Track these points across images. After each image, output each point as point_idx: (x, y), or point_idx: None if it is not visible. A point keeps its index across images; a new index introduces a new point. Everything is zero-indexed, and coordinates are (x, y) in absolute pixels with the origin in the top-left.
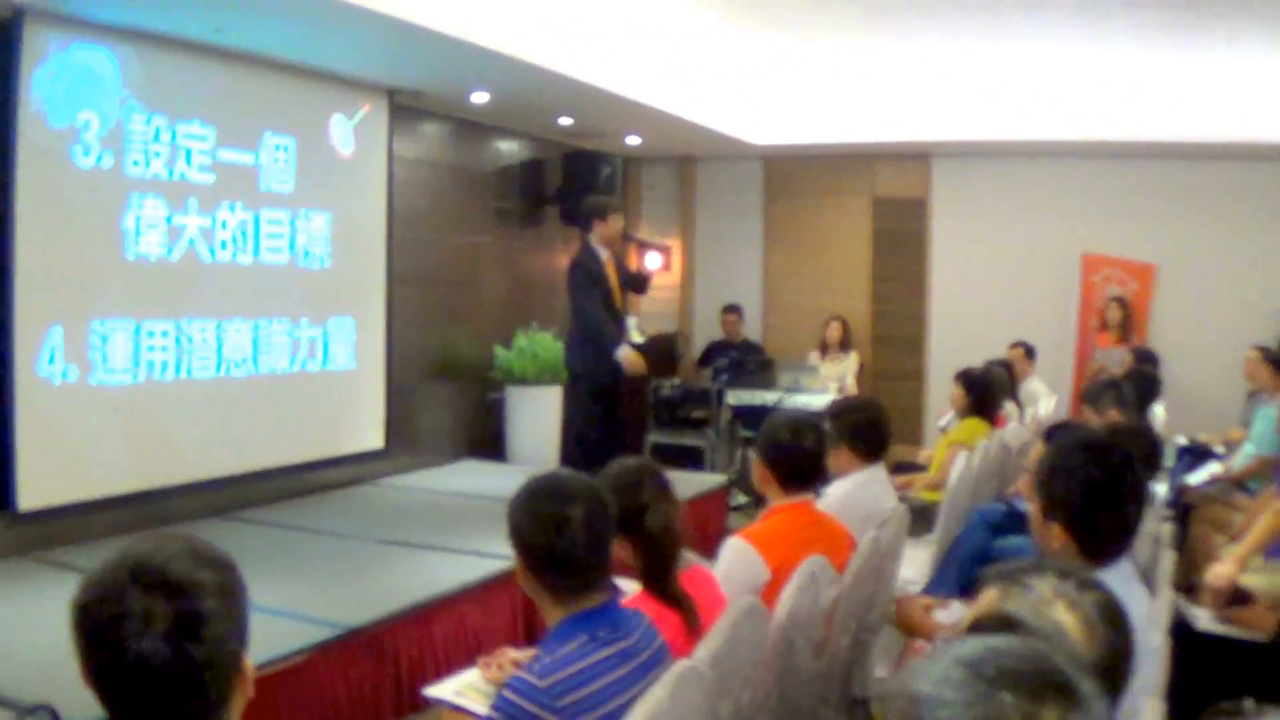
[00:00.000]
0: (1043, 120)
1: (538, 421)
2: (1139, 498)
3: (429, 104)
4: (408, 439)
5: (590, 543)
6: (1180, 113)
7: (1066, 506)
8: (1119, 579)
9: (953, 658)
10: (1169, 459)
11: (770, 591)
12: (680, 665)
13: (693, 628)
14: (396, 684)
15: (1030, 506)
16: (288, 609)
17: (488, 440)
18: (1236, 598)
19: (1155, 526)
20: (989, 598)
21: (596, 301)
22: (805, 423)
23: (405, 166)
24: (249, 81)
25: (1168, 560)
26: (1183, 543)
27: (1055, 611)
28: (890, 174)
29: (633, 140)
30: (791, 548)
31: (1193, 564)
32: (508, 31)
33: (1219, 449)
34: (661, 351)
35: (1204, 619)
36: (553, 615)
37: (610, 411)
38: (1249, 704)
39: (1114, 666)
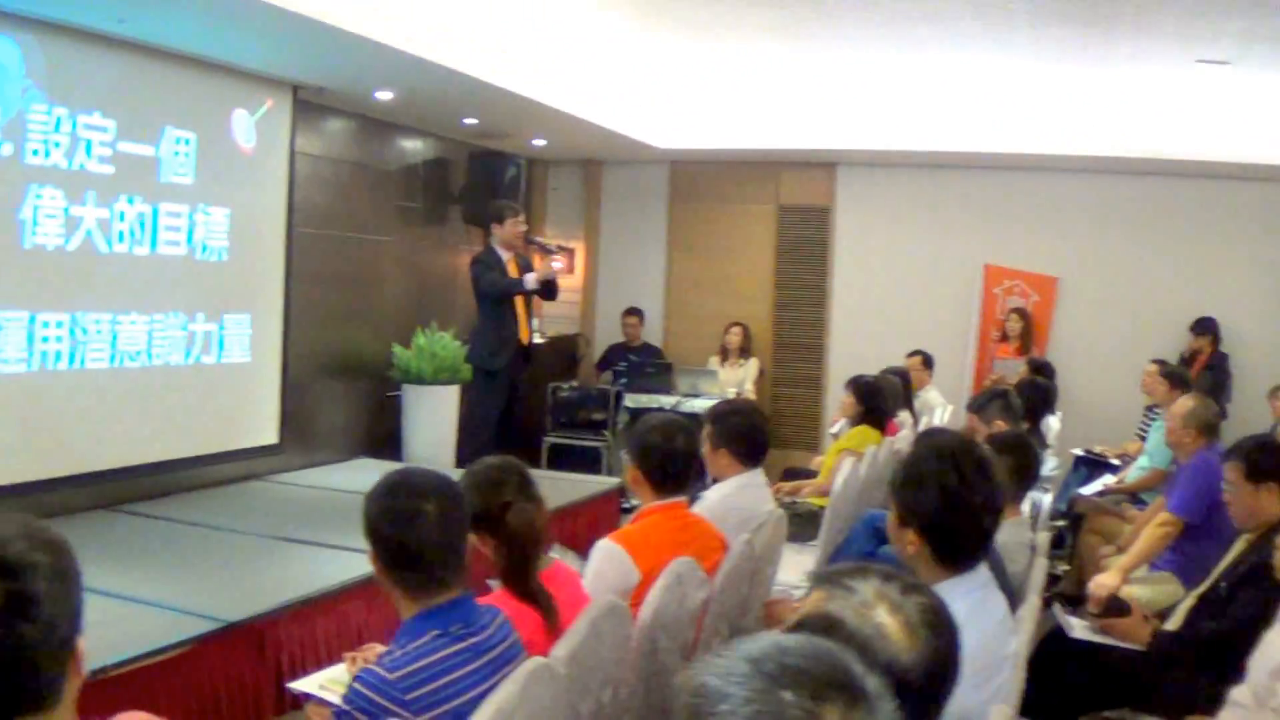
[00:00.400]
0: (948, 131)
1: (434, 421)
2: (994, 506)
3: (334, 101)
4: (303, 436)
5: (443, 538)
6: (1084, 127)
7: (921, 513)
8: (974, 586)
9: (740, 654)
10: (1064, 470)
11: (641, 593)
12: (532, 662)
13: (552, 626)
14: (278, 680)
15: (889, 512)
16: (168, 602)
17: (385, 439)
18: (1114, 608)
19: (1029, 535)
20: (813, 599)
21: (496, 278)
22: (676, 425)
23: (308, 163)
24: (151, 74)
25: (1040, 569)
26: (1074, 553)
27: (877, 614)
28: (795, 182)
29: (538, 142)
30: (662, 550)
31: (1081, 573)
32: (412, 31)
33: (1115, 461)
34: (561, 353)
35: (1079, 628)
36: (406, 610)
37: (508, 412)
38: (1126, 713)
39: (936, 670)
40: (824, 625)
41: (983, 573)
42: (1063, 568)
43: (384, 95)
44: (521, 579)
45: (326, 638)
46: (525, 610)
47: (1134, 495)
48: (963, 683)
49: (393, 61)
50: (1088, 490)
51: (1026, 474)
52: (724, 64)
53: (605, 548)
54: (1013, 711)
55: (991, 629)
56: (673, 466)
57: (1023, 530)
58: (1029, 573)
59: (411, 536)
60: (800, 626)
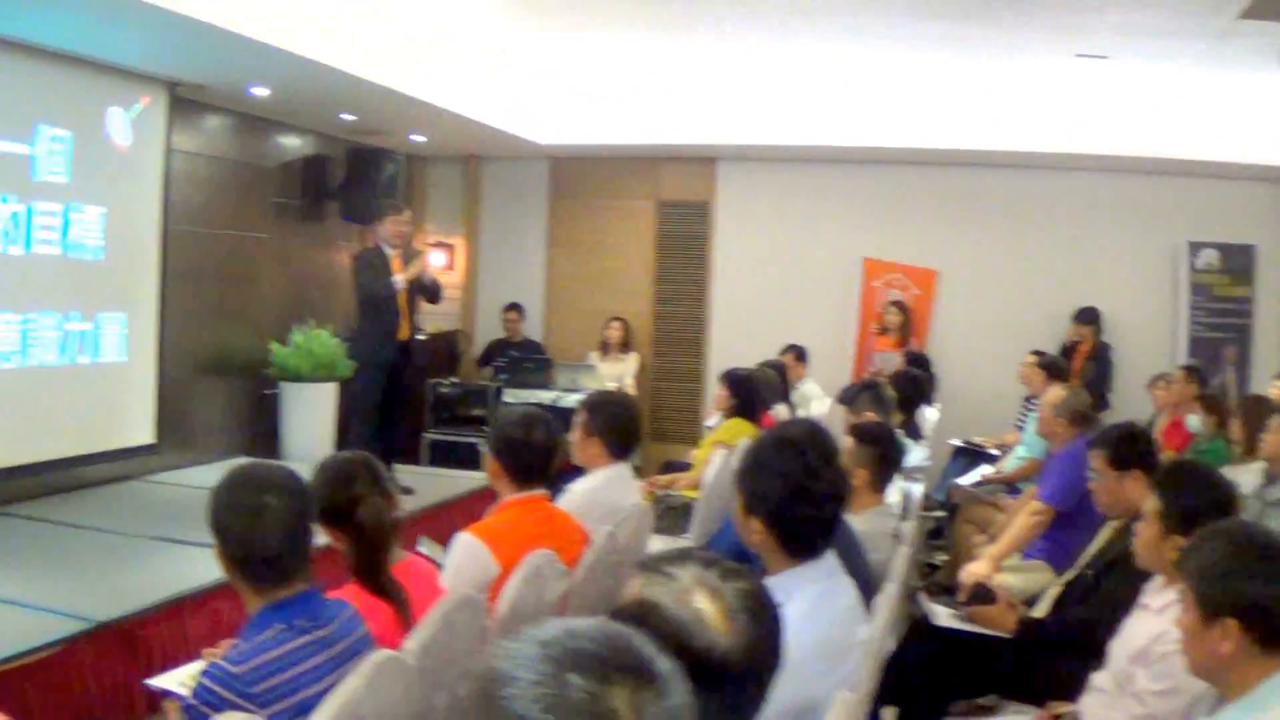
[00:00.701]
0: (828, 126)
1: (313, 418)
2: (839, 494)
3: (211, 98)
4: (181, 435)
5: (288, 532)
6: (963, 121)
7: (765, 502)
8: (821, 574)
9: (530, 638)
10: (941, 461)
11: (500, 585)
12: (379, 654)
13: (405, 619)
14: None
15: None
16: (40, 603)
17: (263, 437)
18: (980, 595)
19: (893, 523)
20: (633, 585)
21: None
22: (536, 418)
23: (185, 160)
24: (25, 71)
25: (902, 557)
26: (950, 542)
27: (696, 600)
28: (675, 177)
29: (417, 138)
30: (522, 543)
31: (956, 562)
32: (287, 27)
33: (994, 451)
34: (442, 349)
35: (945, 616)
36: (252, 604)
37: (388, 408)
38: (995, 700)
39: (756, 655)
40: (642, 611)
41: (830, 561)
42: (941, 557)
43: (260, 92)
44: (372, 573)
45: (198, 636)
46: (377, 604)
47: (1011, 485)
48: (809, 670)
49: (267, 58)
50: (965, 480)
51: (888, 464)
52: (604, 59)
53: (464, 541)
54: (859, 698)
55: (838, 616)
56: (532, 459)
57: (886, 519)
58: (891, 562)
59: (254, 531)
60: (620, 613)
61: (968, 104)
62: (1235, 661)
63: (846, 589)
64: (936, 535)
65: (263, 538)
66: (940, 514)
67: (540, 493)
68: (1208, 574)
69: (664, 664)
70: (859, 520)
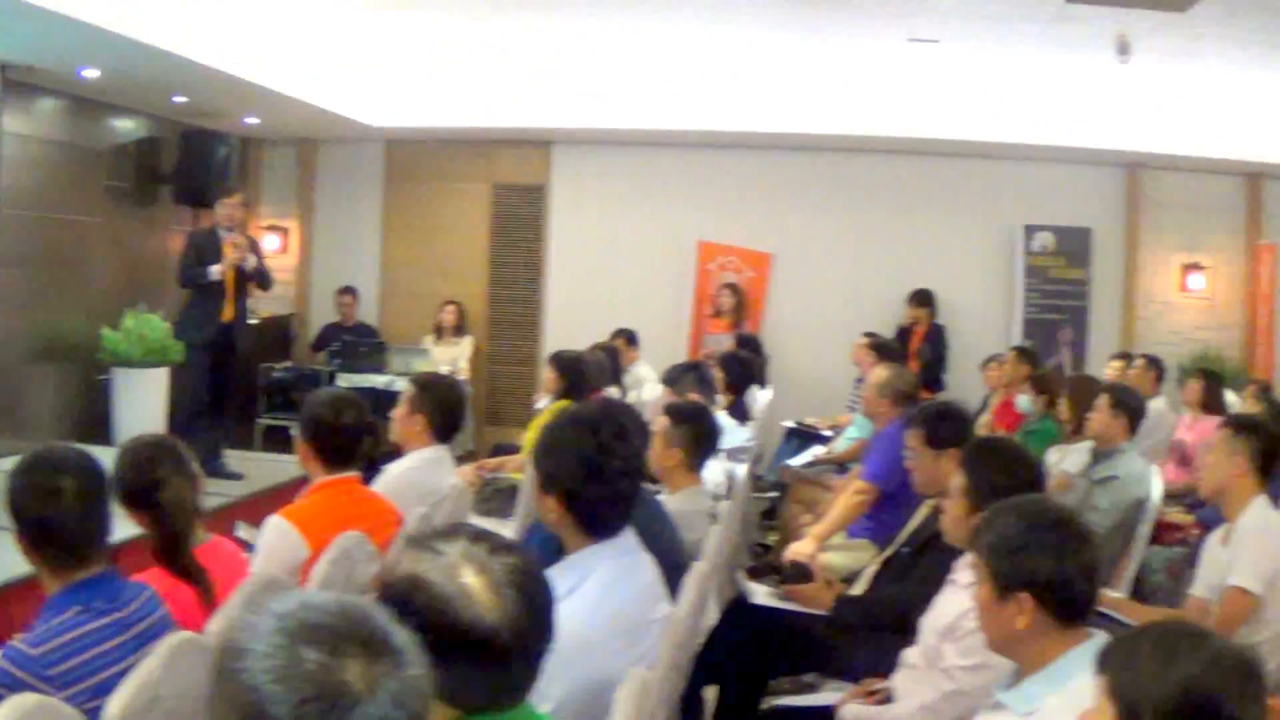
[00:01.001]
0: (663, 109)
1: (144, 403)
2: (633, 472)
3: (42, 79)
4: (9, 422)
5: (83, 514)
6: (799, 104)
7: (560, 481)
8: (619, 551)
9: (270, 611)
10: (773, 442)
11: (310, 568)
12: (176, 635)
13: (209, 602)
14: None
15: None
16: None
17: (95, 423)
18: (797, 573)
19: (708, 503)
20: (402, 561)
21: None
22: (345, 400)
23: (16, 143)
24: None
25: (716, 536)
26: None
27: (463, 575)
28: (510, 160)
29: (251, 120)
30: (332, 525)
31: (785, 542)
32: (114, 7)
33: (826, 432)
34: (276, 333)
35: (762, 594)
36: (50, 585)
37: (218, 393)
38: (815, 678)
39: (524, 630)
40: (410, 586)
41: (628, 538)
42: (774, 538)
43: (91, 74)
44: (174, 556)
45: (24, 624)
46: (180, 586)
47: (841, 465)
48: (605, 647)
49: (96, 39)
50: (797, 461)
51: (704, 443)
52: (439, 41)
53: (274, 524)
54: (657, 675)
55: (636, 594)
56: (341, 441)
57: (701, 499)
58: (706, 541)
59: (50, 512)
60: (388, 588)
61: (803, 88)
62: (1031, 635)
63: (645, 566)
64: (770, 516)
65: (59, 519)
66: (773, 495)
67: (352, 474)
68: (1001, 549)
69: (401, 637)
70: (674, 500)
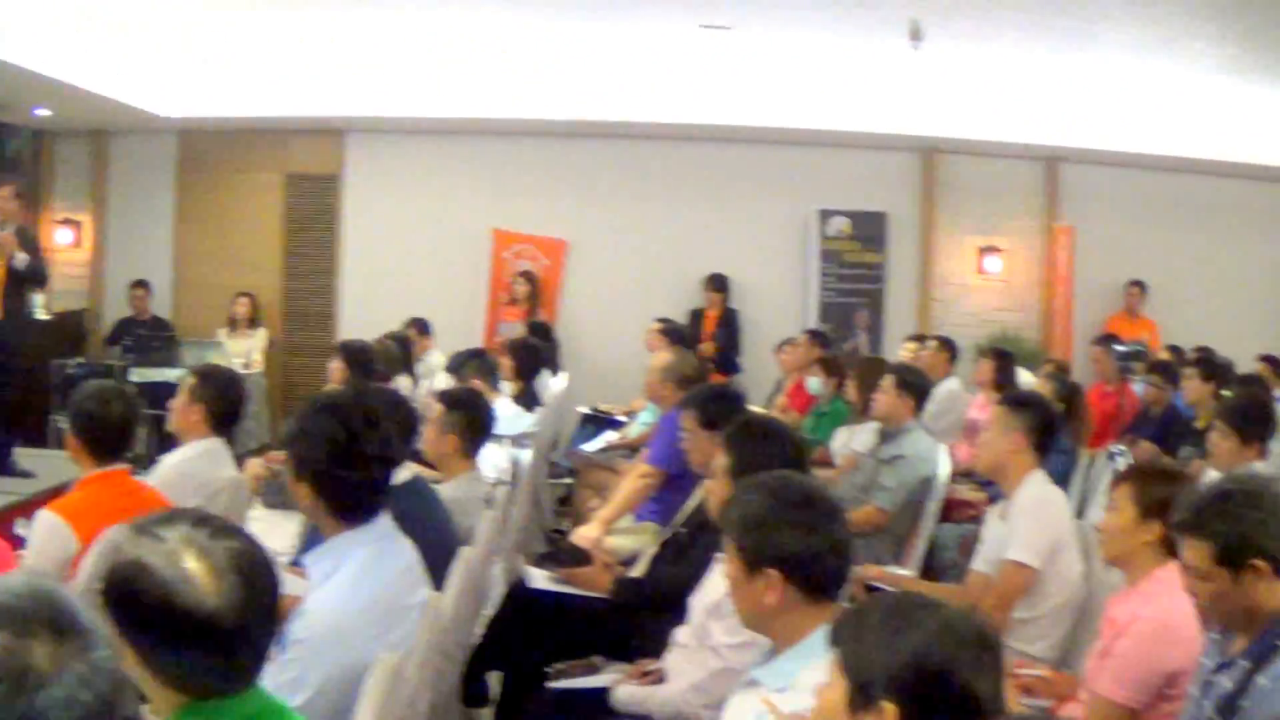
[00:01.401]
0: (456, 98)
1: None
2: (387, 458)
3: None
4: None
5: None
6: (591, 92)
7: (311, 466)
8: (374, 537)
9: None
10: (566, 427)
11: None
12: None
13: None
14: None
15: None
16: None
17: None
18: (575, 557)
19: (484, 489)
20: (126, 546)
21: None
22: (112, 392)
23: None
24: None
25: (488, 520)
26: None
27: (185, 560)
28: (304, 150)
29: (42, 112)
30: (103, 518)
31: (576, 527)
32: None
33: (621, 417)
34: (68, 329)
35: (540, 578)
36: None
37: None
38: (598, 660)
39: (244, 614)
40: (132, 572)
41: (383, 523)
42: (567, 524)
43: None
44: None
45: None
46: None
47: (635, 449)
48: (359, 633)
49: None
50: (591, 446)
51: (479, 430)
52: (231, 30)
53: (43, 519)
54: (416, 660)
55: (392, 579)
56: (109, 434)
57: (477, 485)
58: (479, 527)
59: None
60: (110, 574)
61: (597, 75)
62: (782, 611)
63: (403, 552)
64: (566, 502)
65: None
66: (569, 481)
67: (121, 467)
68: (748, 525)
69: (88, 618)
70: (449, 487)
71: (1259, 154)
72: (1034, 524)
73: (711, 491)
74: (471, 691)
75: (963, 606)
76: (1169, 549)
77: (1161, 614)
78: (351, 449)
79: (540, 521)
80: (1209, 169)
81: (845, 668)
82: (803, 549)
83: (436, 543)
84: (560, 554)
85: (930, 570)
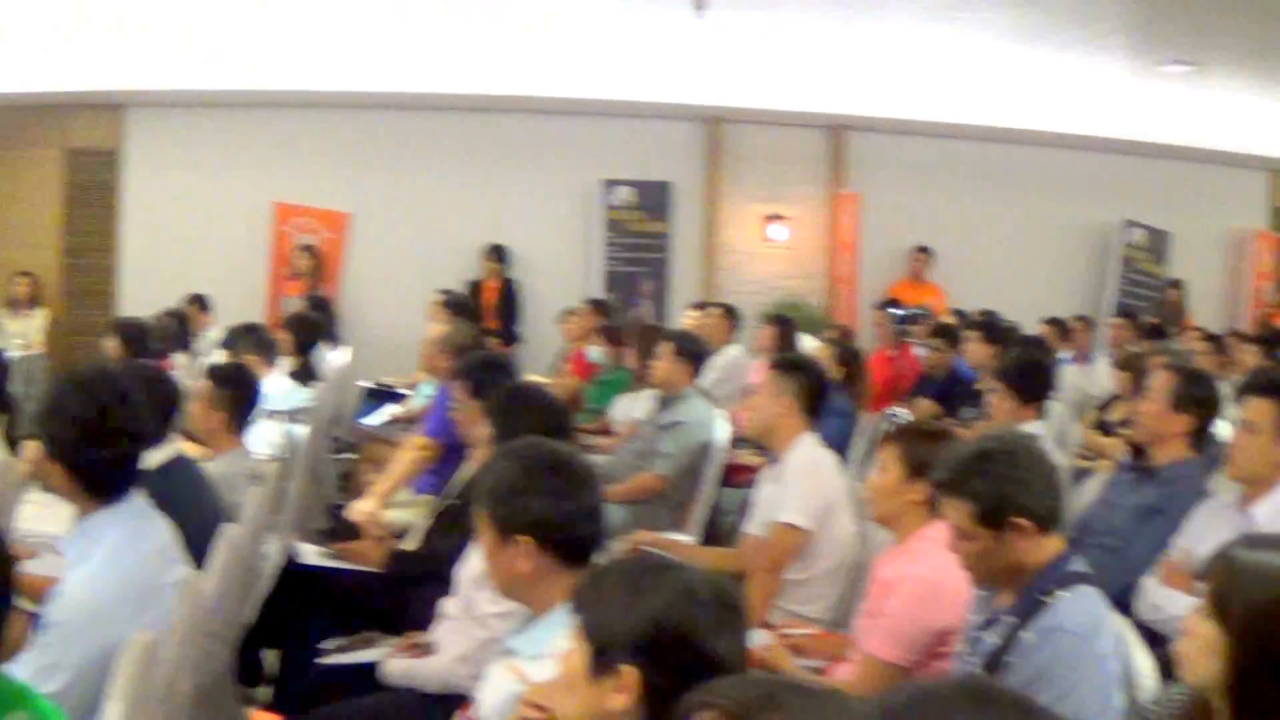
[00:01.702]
0: (234, 70)
1: None
2: (138, 435)
3: None
4: None
5: None
6: (370, 63)
7: (61, 445)
8: (128, 515)
9: None
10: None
11: None
12: None
13: None
14: None
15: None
16: None
17: None
18: (345, 531)
19: (251, 464)
20: None
21: None
22: None
23: None
24: None
25: (254, 497)
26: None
27: None
28: (82, 125)
29: None
30: None
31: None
32: None
33: (404, 391)
34: None
35: (311, 554)
36: None
37: None
38: (375, 635)
39: None
40: None
41: (137, 502)
42: (346, 499)
43: None
44: None
45: None
46: None
47: (416, 422)
48: (115, 614)
49: None
50: (373, 420)
51: (245, 405)
52: (6, 2)
53: None
54: (175, 639)
55: (148, 558)
56: None
57: (243, 460)
58: (245, 503)
59: None
60: None
61: (376, 45)
62: (536, 578)
63: (158, 530)
64: (349, 478)
65: None
66: (352, 456)
67: None
68: (499, 493)
69: None
70: (216, 464)
71: (1045, 120)
72: (805, 486)
73: (475, 460)
74: (247, 669)
75: (705, 568)
76: (936, 508)
77: (929, 573)
78: (101, 426)
79: (322, 497)
80: (995, 135)
81: (586, 633)
82: (554, 515)
83: (200, 521)
84: (338, 530)
85: (713, 535)
